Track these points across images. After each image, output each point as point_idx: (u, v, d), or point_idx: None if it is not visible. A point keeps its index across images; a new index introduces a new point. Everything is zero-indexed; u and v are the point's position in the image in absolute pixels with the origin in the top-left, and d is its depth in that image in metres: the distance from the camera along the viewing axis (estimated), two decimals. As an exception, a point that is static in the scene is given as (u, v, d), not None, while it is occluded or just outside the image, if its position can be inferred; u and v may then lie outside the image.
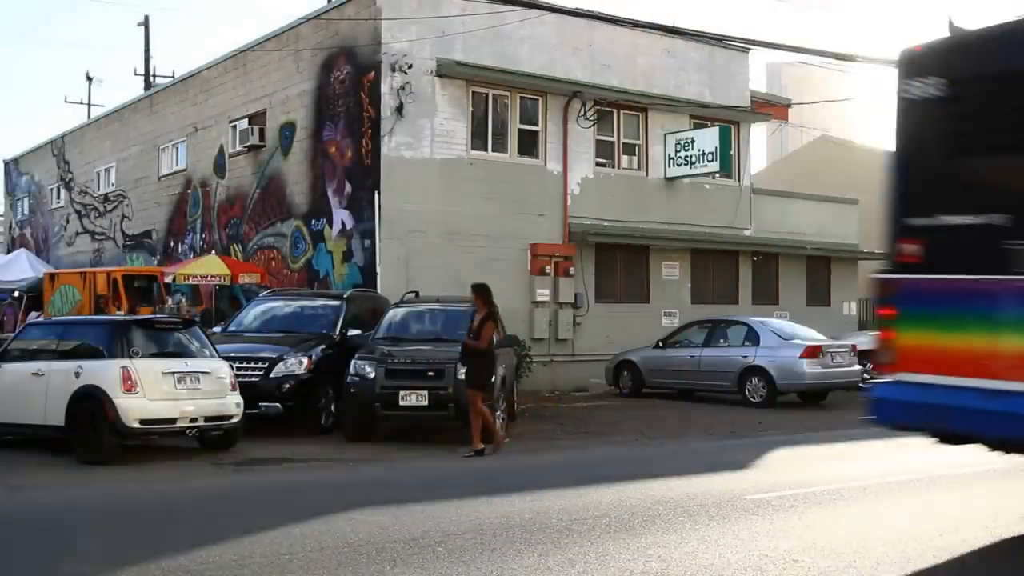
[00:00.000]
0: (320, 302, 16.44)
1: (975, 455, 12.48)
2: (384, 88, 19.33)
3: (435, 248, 19.60)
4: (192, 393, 11.91)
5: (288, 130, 22.05)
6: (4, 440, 12.67)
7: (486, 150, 20.88)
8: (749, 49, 24.86)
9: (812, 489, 9.68)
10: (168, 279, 21.63)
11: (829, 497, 9.36)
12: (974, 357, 6.81)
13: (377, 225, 19.25)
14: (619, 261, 22.95)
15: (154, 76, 38.16)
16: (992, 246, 6.65)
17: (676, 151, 23.09)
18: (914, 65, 7.32)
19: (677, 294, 23.74)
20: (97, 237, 31.94)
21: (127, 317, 15.08)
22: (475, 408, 12.17)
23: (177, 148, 27.16)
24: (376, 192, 19.33)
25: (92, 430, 11.46)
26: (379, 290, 18.48)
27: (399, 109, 19.42)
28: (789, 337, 18.66)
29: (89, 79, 47.34)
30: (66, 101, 67.65)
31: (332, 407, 14.27)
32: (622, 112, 22.93)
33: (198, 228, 25.91)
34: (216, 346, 12.97)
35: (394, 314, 15.21)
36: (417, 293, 16.23)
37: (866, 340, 21.62)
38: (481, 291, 12.77)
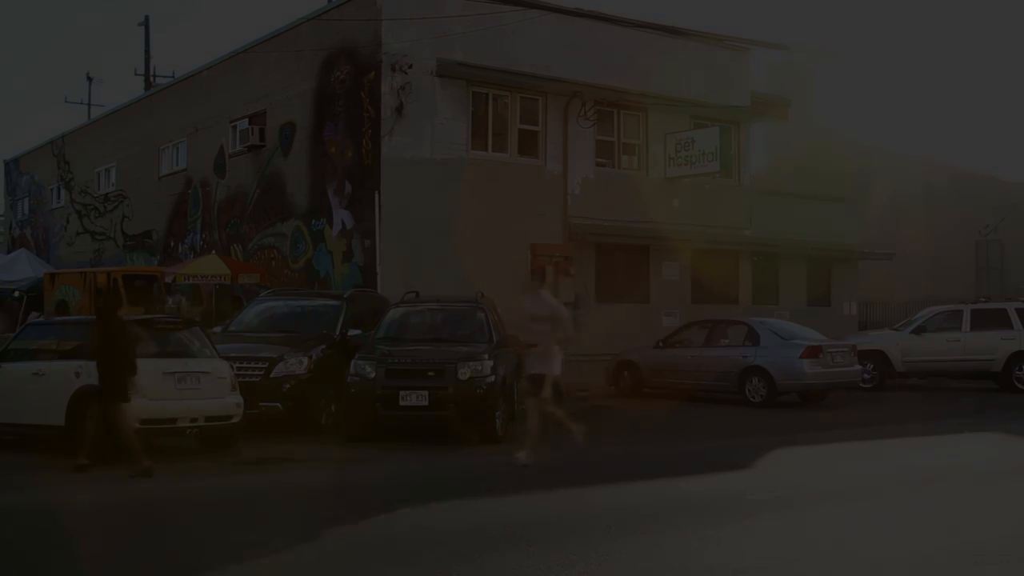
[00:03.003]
0: (320, 302, 16.43)
1: (976, 455, 12.51)
2: (384, 88, 19.33)
3: (435, 248, 19.58)
4: (192, 393, 11.91)
5: (288, 130, 22.04)
6: (4, 440, 12.66)
7: (486, 150, 20.87)
8: (749, 49, 24.87)
9: (812, 489, 9.68)
10: (168, 279, 21.63)
11: (829, 497, 9.37)
12: None
13: (377, 225, 19.25)
14: (619, 261, 22.94)
15: (154, 76, 38.16)
16: None
17: (676, 151, 23.06)
18: None
19: (677, 294, 23.73)
20: (97, 237, 31.95)
21: (127, 317, 15.04)
22: (85, 417, 10.90)
23: (177, 148, 27.16)
24: (376, 192, 19.33)
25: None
26: (379, 290, 18.48)
27: (399, 109, 19.42)
28: (789, 337, 18.64)
29: (89, 79, 47.35)
30: (66, 101, 67.52)
31: (332, 407, 14.27)
32: (622, 112, 22.92)
33: (198, 228, 25.91)
34: (216, 346, 12.97)
35: (394, 314, 15.21)
36: (417, 293, 16.22)
37: (867, 340, 21.69)
38: (100, 299, 12.09)
